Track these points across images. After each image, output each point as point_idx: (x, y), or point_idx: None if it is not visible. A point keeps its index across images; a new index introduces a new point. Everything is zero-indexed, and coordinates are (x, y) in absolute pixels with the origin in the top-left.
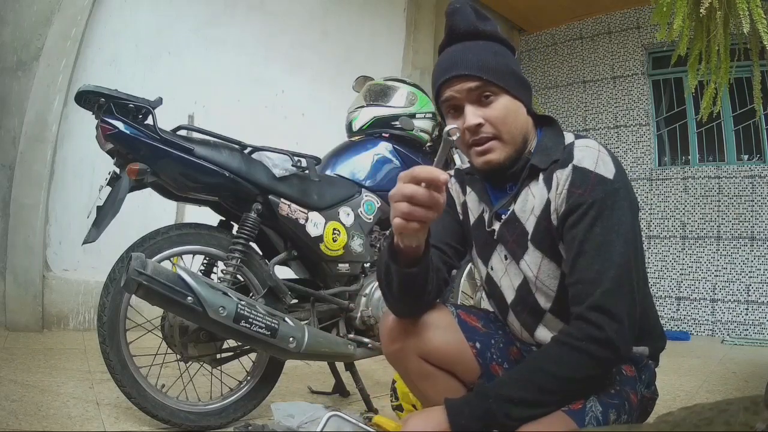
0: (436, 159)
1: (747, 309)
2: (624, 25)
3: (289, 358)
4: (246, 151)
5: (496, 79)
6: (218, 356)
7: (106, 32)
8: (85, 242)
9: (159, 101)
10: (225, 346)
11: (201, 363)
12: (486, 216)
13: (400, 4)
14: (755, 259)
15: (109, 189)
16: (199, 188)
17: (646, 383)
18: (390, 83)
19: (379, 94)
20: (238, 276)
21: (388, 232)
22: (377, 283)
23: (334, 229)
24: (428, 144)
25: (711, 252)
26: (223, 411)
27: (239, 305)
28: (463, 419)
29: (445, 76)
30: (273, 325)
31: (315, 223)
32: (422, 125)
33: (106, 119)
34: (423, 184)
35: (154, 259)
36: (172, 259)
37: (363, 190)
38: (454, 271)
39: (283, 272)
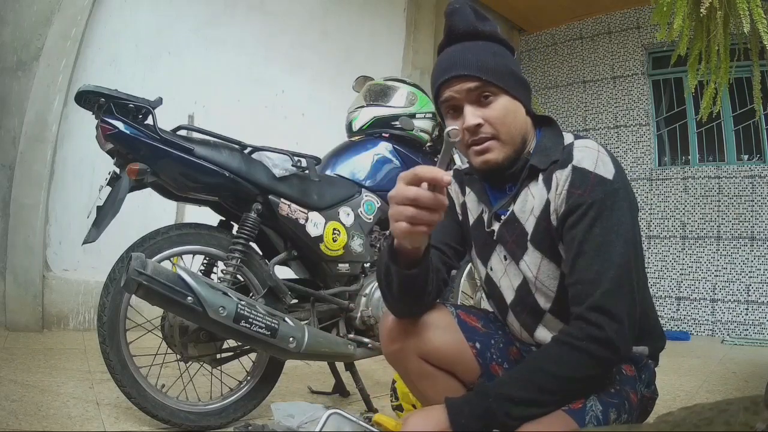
0: (438, 160)
1: (747, 309)
2: (624, 25)
3: (289, 358)
4: (246, 151)
5: (495, 80)
6: (218, 356)
7: (106, 32)
8: (85, 242)
9: (159, 101)
10: (225, 346)
11: (201, 363)
12: (485, 216)
13: (400, 4)
14: (755, 259)
15: (109, 189)
16: (199, 188)
17: (646, 383)
18: (390, 83)
19: (379, 94)
20: (238, 276)
21: (388, 233)
22: (377, 283)
23: (334, 229)
24: (428, 144)
25: (711, 252)
26: (223, 411)
27: (239, 305)
28: (463, 418)
29: (444, 76)
30: (273, 325)
31: (315, 223)
32: (422, 125)
33: (106, 119)
34: (425, 185)
35: (154, 259)
36: (172, 259)
37: (363, 190)
38: (454, 272)
39: (283, 272)
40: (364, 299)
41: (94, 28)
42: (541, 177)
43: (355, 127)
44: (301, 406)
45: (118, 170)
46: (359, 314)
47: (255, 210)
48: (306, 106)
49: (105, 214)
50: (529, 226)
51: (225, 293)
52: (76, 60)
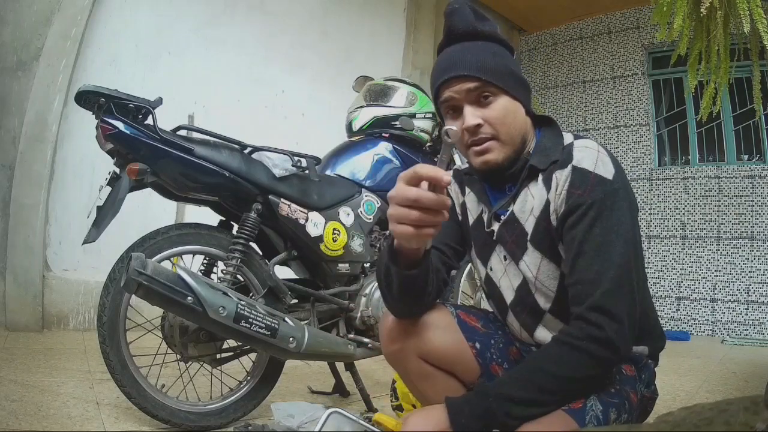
0: (438, 160)
1: (747, 309)
2: (624, 25)
3: (289, 358)
4: (246, 151)
5: (495, 80)
6: (218, 356)
7: (106, 32)
8: (85, 242)
9: (159, 101)
10: (225, 346)
11: (201, 363)
12: (485, 216)
13: (400, 4)
14: (755, 259)
15: (109, 189)
16: (199, 188)
17: (645, 383)
18: (390, 83)
19: (379, 94)
20: (238, 276)
21: (388, 233)
22: (377, 284)
23: (334, 229)
24: (428, 144)
25: (711, 252)
26: (223, 411)
27: (239, 305)
28: (463, 418)
29: (443, 76)
30: (273, 325)
31: (315, 223)
32: (422, 125)
33: (106, 119)
34: (425, 185)
35: (154, 259)
36: (172, 259)
37: (363, 190)
38: (454, 272)
39: (283, 272)
40: (364, 299)
41: (94, 28)
42: (540, 177)
43: (355, 127)
44: (301, 406)
45: (118, 170)
46: (359, 314)
47: (255, 210)
48: (306, 106)
49: (105, 214)
50: (529, 226)
51: (225, 293)
52: (76, 60)
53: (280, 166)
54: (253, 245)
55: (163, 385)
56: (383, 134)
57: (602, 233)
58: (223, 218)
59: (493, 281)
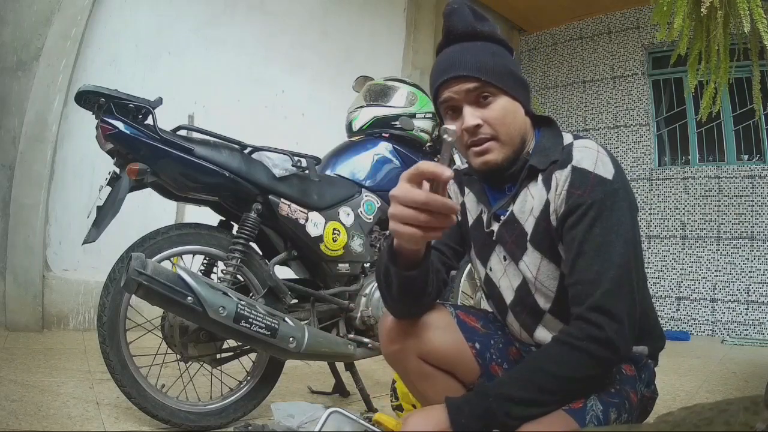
0: (439, 160)
1: (747, 309)
2: (624, 25)
3: (289, 358)
4: (246, 151)
5: (494, 80)
6: (218, 356)
7: (106, 32)
8: (85, 242)
9: (159, 101)
10: (225, 346)
11: (201, 363)
12: (484, 217)
13: (400, 4)
14: (755, 259)
15: (109, 189)
16: (199, 188)
17: (645, 382)
18: (390, 83)
19: (379, 94)
20: (238, 276)
21: (388, 233)
22: (377, 284)
23: (334, 229)
24: (428, 144)
25: (711, 252)
26: (223, 411)
27: (239, 305)
28: (463, 418)
29: (443, 77)
30: (273, 325)
31: (315, 223)
32: (422, 125)
33: (106, 119)
34: (426, 186)
35: (154, 259)
36: (172, 259)
37: (363, 190)
38: (453, 272)
39: (283, 272)
40: (364, 299)
41: (94, 28)
42: (540, 177)
43: (355, 127)
44: (301, 406)
45: (118, 170)
46: (359, 314)
47: (255, 210)
48: (306, 106)
49: (105, 214)
50: (529, 226)
51: (225, 293)
52: (76, 60)
53: (280, 166)
54: (253, 245)
55: (163, 385)
56: (383, 134)
57: (602, 233)
58: (223, 218)
59: (492, 281)
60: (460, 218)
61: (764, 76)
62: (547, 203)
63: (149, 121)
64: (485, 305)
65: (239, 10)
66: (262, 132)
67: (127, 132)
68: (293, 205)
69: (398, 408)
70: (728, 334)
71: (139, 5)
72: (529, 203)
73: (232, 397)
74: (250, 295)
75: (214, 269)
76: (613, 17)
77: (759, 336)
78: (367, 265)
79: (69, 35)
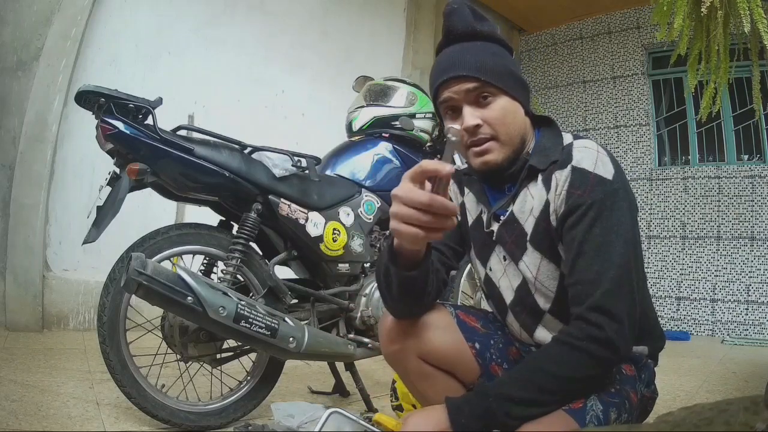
0: (442, 159)
1: (747, 309)
2: (624, 25)
3: (289, 358)
4: (246, 151)
5: (494, 80)
6: (218, 356)
7: (106, 32)
8: (85, 242)
9: (159, 101)
10: (225, 346)
11: (201, 363)
12: (484, 217)
13: (400, 4)
14: (755, 259)
15: (109, 189)
16: (199, 188)
17: (645, 382)
18: (390, 83)
19: (379, 94)
20: (238, 276)
21: (388, 233)
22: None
23: (334, 229)
24: (428, 144)
25: (711, 252)
26: (223, 411)
27: (239, 305)
28: (463, 418)
29: (443, 77)
30: (273, 325)
31: (315, 223)
32: (422, 125)
33: (106, 119)
34: (428, 186)
35: (154, 259)
36: (172, 259)
37: (363, 190)
38: (453, 272)
39: (283, 272)
40: (364, 299)
41: (94, 28)
42: (540, 177)
43: (355, 127)
44: (301, 406)
45: (118, 170)
46: (359, 314)
47: (255, 210)
48: (306, 106)
49: (105, 214)
50: (529, 226)
51: (225, 293)
52: (76, 60)
53: (280, 166)
54: (253, 245)
55: (163, 385)
56: (383, 134)
57: (602, 233)
58: (223, 218)
59: (492, 281)
60: (459, 218)
61: (764, 76)
62: (547, 203)
63: (149, 121)
64: (485, 305)
65: (239, 10)
66: (262, 132)
67: (127, 132)
68: (293, 205)
69: (398, 408)
70: (728, 334)
71: (139, 5)
72: (529, 203)
73: (232, 397)
74: (250, 295)
75: (214, 269)
76: (613, 17)
77: (759, 336)
78: (367, 265)
79: (69, 35)
